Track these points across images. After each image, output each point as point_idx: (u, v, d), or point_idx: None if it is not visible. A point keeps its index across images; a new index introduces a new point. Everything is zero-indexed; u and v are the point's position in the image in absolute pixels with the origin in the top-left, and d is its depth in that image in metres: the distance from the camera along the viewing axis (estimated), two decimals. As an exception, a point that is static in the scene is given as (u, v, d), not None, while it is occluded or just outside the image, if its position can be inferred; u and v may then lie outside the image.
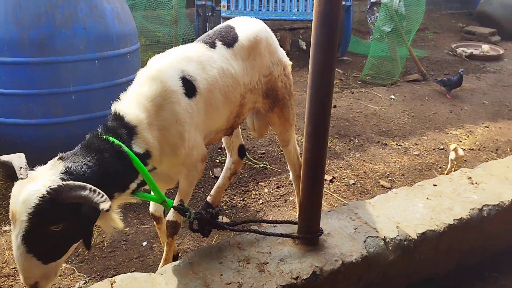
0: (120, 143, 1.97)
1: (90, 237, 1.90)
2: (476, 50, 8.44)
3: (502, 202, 2.86)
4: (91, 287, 2.12)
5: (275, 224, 2.48)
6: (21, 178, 1.75)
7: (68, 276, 2.76)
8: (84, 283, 2.70)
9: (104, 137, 1.98)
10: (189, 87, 2.25)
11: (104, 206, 1.65)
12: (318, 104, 2.13)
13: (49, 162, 1.87)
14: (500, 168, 3.29)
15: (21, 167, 1.80)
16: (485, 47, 8.30)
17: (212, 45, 2.48)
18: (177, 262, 2.20)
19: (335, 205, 3.71)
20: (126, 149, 1.98)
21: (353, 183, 4.05)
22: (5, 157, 1.89)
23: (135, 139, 2.06)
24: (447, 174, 3.93)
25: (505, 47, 8.90)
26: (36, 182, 1.72)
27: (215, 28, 2.67)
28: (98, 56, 3.54)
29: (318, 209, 2.32)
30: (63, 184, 1.68)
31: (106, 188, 1.80)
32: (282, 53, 2.88)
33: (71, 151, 1.97)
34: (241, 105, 2.61)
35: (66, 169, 1.81)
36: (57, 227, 1.72)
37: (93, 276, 2.78)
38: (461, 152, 4.05)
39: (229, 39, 2.55)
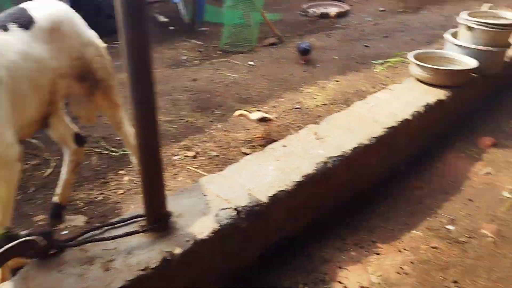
0: None
1: None
2: (325, 9, 8.88)
3: (344, 152, 3.04)
4: None
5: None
6: None
7: None
8: None
9: None
10: None
11: None
12: (138, 86, 1.99)
13: None
14: (342, 119, 3.49)
15: None
16: (332, 12, 8.71)
17: (5, 28, 2.21)
18: (7, 282, 1.97)
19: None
20: None
21: (216, 155, 4.03)
22: None
23: None
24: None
25: (350, 3, 9.49)
26: None
27: (4, 12, 2.37)
28: None
29: (161, 193, 2.22)
30: None
31: None
32: (93, 34, 2.71)
33: None
34: (53, 92, 2.40)
35: None
36: None
37: None
38: (251, 116, 4.15)
39: (24, 21, 2.29)
